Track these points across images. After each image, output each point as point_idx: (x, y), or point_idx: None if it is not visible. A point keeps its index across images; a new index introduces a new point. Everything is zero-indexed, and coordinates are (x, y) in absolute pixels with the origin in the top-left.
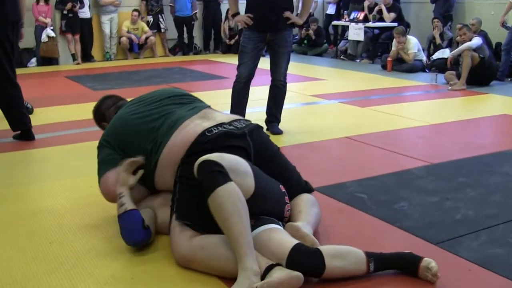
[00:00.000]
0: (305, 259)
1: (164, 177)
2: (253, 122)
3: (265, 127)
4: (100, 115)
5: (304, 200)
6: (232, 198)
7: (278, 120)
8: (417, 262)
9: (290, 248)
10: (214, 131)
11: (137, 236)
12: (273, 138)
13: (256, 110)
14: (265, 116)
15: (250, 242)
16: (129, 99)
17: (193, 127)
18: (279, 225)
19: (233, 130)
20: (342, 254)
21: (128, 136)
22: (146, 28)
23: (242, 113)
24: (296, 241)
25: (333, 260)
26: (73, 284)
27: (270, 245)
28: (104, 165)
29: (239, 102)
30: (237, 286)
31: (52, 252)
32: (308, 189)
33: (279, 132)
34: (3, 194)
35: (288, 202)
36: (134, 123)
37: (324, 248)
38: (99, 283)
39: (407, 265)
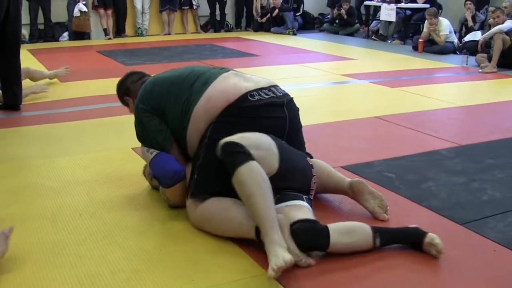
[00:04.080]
0: (309, 236)
1: (196, 136)
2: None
3: None
4: (124, 88)
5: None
6: (253, 175)
7: None
8: (421, 237)
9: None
10: (256, 97)
11: (175, 165)
12: (304, 116)
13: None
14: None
15: (273, 217)
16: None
17: (233, 83)
18: (303, 200)
19: (274, 98)
20: (349, 231)
21: (162, 96)
22: None
23: None
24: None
25: (340, 237)
26: (102, 254)
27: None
28: (158, 135)
29: None
30: (272, 256)
31: (82, 223)
32: None
33: None
34: (35, 166)
35: (314, 174)
36: (166, 82)
37: (333, 225)
38: (128, 254)
39: (412, 239)
